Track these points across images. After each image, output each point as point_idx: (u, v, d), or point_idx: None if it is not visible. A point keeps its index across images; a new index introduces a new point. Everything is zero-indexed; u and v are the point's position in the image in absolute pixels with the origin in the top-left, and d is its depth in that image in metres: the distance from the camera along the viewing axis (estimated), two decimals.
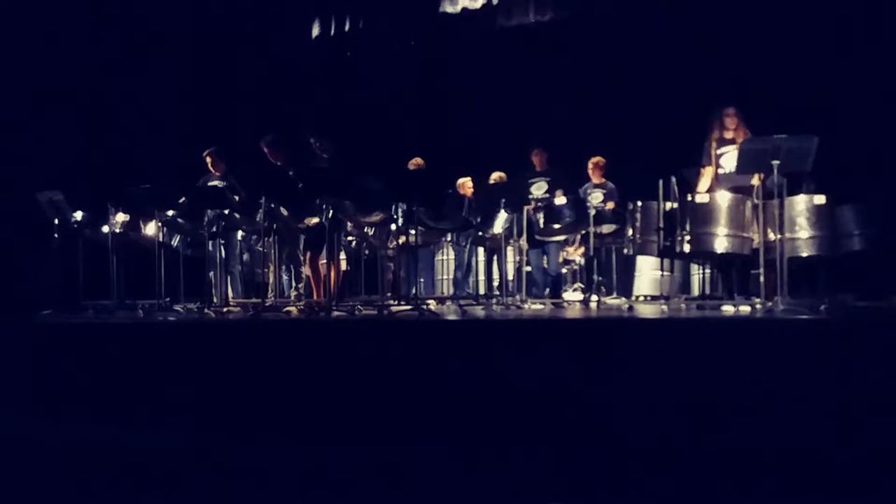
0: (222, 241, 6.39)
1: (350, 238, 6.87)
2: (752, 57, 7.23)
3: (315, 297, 6.03)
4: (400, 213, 5.51)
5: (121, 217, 6.63)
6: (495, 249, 6.94)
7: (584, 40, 8.48)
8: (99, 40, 8.91)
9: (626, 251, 6.20)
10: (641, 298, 7.17)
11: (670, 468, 3.22)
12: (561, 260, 7.44)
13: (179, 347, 4.59)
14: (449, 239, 7.42)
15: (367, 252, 7.34)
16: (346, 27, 10.01)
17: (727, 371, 3.36)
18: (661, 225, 5.20)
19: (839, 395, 3.17)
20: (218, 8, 9.44)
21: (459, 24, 9.35)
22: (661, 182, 5.15)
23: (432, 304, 6.14)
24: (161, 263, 5.96)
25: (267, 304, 5.84)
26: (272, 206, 5.60)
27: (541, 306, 6.35)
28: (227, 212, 6.07)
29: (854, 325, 3.69)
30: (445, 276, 8.08)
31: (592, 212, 6.15)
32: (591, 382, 3.55)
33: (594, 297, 6.39)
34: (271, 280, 6.63)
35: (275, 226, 5.79)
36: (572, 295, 7.37)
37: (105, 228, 6.55)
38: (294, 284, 7.24)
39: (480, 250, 7.33)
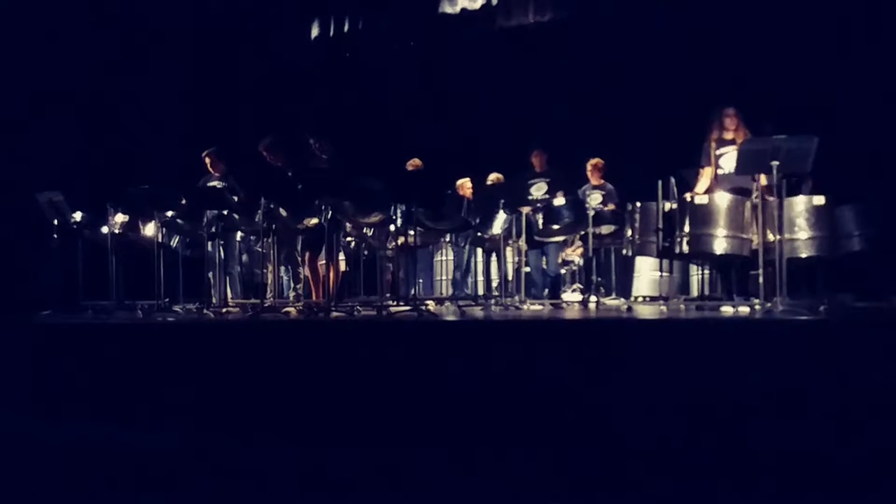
0: (221, 242, 6.39)
1: (349, 239, 6.87)
2: (752, 57, 7.23)
3: (314, 298, 6.03)
4: (399, 214, 5.51)
5: (120, 218, 6.63)
6: (494, 250, 6.94)
7: (584, 40, 8.48)
8: (99, 40, 8.91)
9: (625, 252, 6.20)
10: (640, 299, 7.17)
11: (669, 469, 3.22)
12: (560, 261, 7.44)
13: (178, 348, 4.59)
14: (448, 240, 7.42)
15: (366, 253, 7.34)
16: (346, 28, 10.01)
17: (726, 372, 3.36)
18: (660, 226, 5.20)
19: (838, 395, 3.17)
20: (218, 8, 9.44)
21: (459, 25, 9.35)
22: (660, 183, 5.15)
23: (431, 305, 6.14)
24: (160, 264, 5.95)
25: (266, 305, 5.84)
26: (271, 206, 5.60)
27: (540, 307, 6.35)
28: (226, 212, 6.08)
29: (853, 325, 3.69)
30: (444, 277, 8.09)
31: (591, 213, 6.15)
32: (591, 383, 3.55)
33: (593, 298, 6.39)
34: (270, 281, 6.63)
35: (274, 226, 5.78)
36: (571, 296, 7.37)
37: (104, 229, 6.55)
38: (293, 285, 7.24)
39: (479, 251, 7.33)
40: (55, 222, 6.66)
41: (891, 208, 5.19)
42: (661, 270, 7.11)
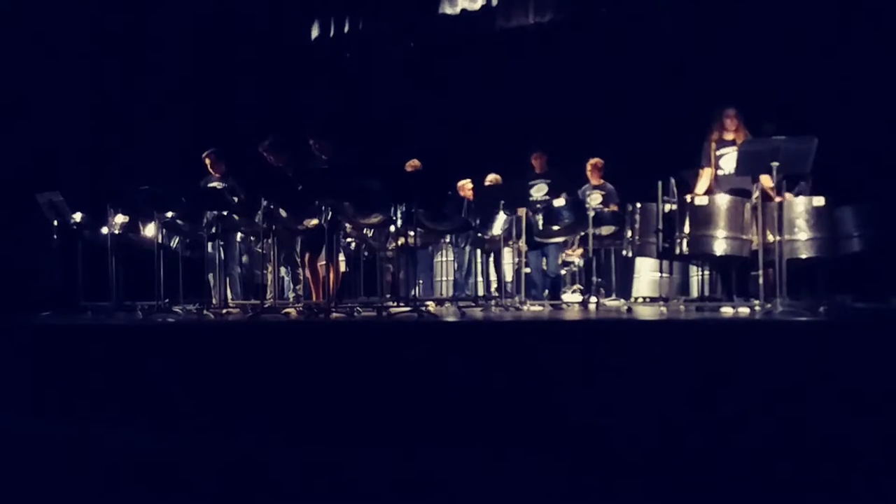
0: (221, 243, 6.39)
1: (349, 239, 6.87)
2: (752, 57, 7.23)
3: (314, 299, 6.03)
4: (399, 215, 5.51)
5: (120, 218, 6.64)
6: (494, 251, 6.94)
7: (584, 41, 8.49)
8: (99, 41, 8.92)
9: (625, 253, 6.20)
10: (640, 300, 7.17)
11: (669, 469, 3.22)
12: (560, 262, 7.43)
13: (179, 349, 4.58)
14: (448, 240, 7.42)
15: (366, 253, 7.34)
16: (346, 28, 10.01)
17: (726, 372, 3.36)
18: (661, 227, 5.20)
19: (838, 396, 3.17)
20: (218, 8, 9.44)
21: (459, 26, 9.35)
22: (660, 184, 5.15)
23: (431, 306, 6.14)
24: (160, 265, 5.95)
25: (266, 306, 5.84)
26: (271, 207, 5.60)
27: (540, 308, 6.34)
28: (226, 213, 6.08)
29: (853, 326, 3.70)
30: (444, 278, 8.09)
31: (591, 213, 6.14)
32: (590, 384, 3.55)
33: (593, 299, 6.39)
34: (270, 281, 6.63)
35: (274, 227, 5.78)
36: (571, 297, 7.37)
37: (104, 230, 6.55)
38: (293, 286, 7.24)
39: (479, 252, 7.33)
40: (55, 223, 6.66)
41: (891, 209, 5.19)
42: (661, 271, 7.11)
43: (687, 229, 4.93)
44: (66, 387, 4.60)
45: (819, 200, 4.89)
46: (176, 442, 4.01)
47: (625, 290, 7.40)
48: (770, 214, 4.67)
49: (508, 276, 7.12)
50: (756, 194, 4.80)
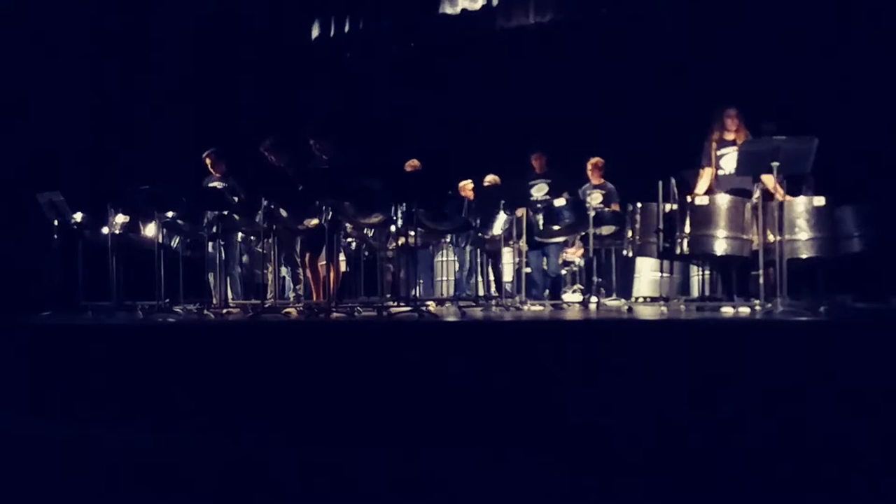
0: (222, 243, 6.39)
1: (349, 239, 6.87)
2: (752, 57, 7.23)
3: (314, 299, 6.03)
4: (399, 215, 5.51)
5: (120, 218, 6.64)
6: (495, 251, 6.94)
7: (584, 41, 8.48)
8: (99, 41, 8.92)
9: (625, 253, 6.20)
10: (641, 300, 7.17)
11: (669, 469, 3.22)
12: (560, 261, 7.43)
13: (179, 349, 4.59)
14: (448, 240, 7.42)
15: (366, 253, 7.34)
16: (346, 28, 10.01)
17: (726, 372, 3.36)
18: (661, 226, 5.20)
19: (838, 396, 3.17)
20: (218, 8, 9.44)
21: (459, 26, 9.35)
22: (660, 183, 5.15)
23: (432, 306, 6.14)
24: (161, 265, 5.96)
25: (266, 306, 5.84)
26: (272, 207, 5.60)
27: (540, 308, 6.34)
28: (226, 213, 6.08)
29: (853, 326, 3.70)
30: (445, 278, 8.08)
31: (592, 213, 6.14)
32: (591, 384, 3.55)
33: (594, 299, 6.38)
34: (270, 281, 6.63)
35: (274, 227, 5.78)
36: (572, 296, 7.37)
37: (105, 230, 6.55)
38: (293, 286, 7.24)
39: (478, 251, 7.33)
40: (55, 223, 6.66)
41: (891, 209, 5.19)
42: (661, 271, 7.12)
43: (687, 229, 4.93)
44: (66, 387, 4.60)
45: (819, 200, 4.88)
46: (176, 442, 4.01)
47: (625, 289, 7.40)
48: (770, 214, 4.67)
49: (509, 276, 7.12)
50: (757, 194, 4.80)
